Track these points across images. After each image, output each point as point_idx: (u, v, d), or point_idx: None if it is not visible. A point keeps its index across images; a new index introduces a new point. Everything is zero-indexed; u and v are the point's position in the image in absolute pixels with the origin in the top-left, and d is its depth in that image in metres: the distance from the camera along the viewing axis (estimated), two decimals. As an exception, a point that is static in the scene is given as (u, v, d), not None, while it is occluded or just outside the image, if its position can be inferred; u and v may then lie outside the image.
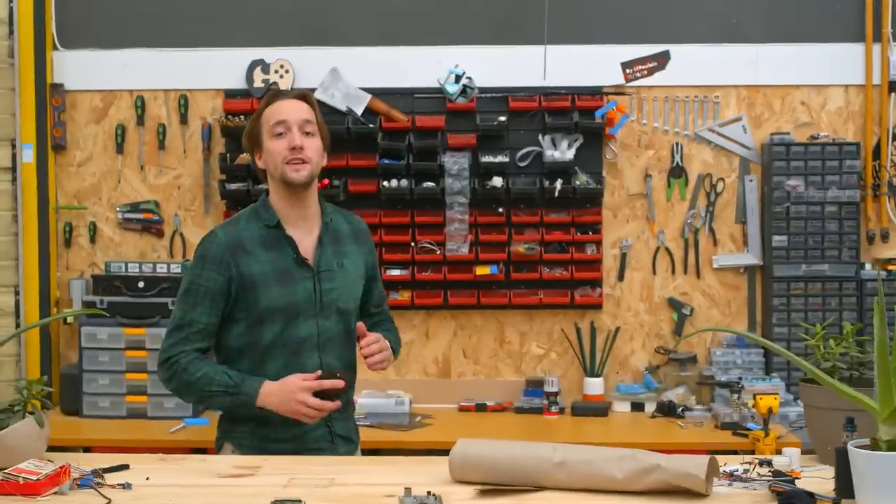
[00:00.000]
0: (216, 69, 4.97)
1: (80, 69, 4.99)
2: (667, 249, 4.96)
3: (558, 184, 4.84)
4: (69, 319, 4.89)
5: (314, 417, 2.83)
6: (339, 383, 2.80)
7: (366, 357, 2.95)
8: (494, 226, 4.90)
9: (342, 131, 4.82)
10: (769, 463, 2.43)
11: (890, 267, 4.84)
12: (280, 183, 2.96)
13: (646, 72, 4.92)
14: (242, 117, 4.85)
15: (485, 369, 5.00)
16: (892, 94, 4.88)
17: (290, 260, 2.94)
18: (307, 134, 2.95)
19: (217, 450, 3.02)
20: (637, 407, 4.75)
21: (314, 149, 2.96)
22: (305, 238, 2.98)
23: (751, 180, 4.92)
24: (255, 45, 4.94)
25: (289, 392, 2.80)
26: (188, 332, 2.90)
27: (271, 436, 2.91)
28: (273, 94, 3.04)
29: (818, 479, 2.32)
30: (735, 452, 3.24)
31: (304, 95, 3.03)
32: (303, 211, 2.98)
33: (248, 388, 2.83)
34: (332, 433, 2.99)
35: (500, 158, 4.87)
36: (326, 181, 4.80)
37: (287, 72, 4.91)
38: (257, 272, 2.90)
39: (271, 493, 2.26)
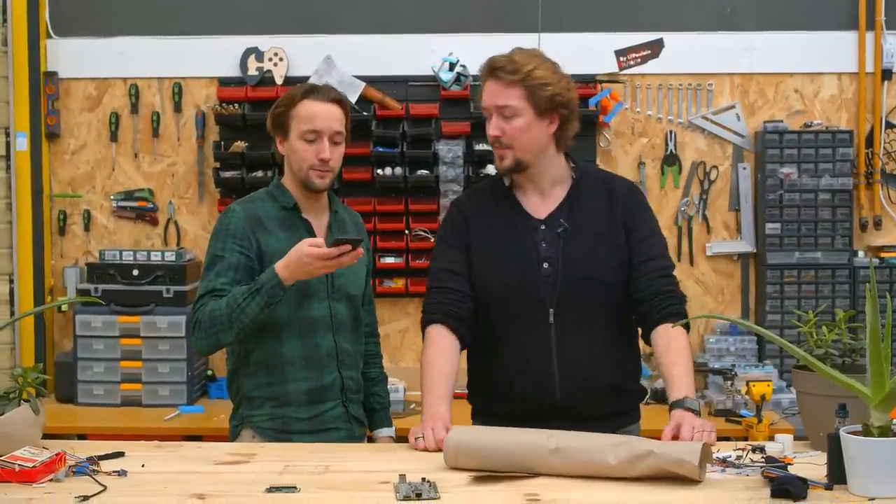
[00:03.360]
0: (210, 57, 4.95)
1: (73, 57, 4.97)
2: (660, 237, 4.96)
3: (552, 172, 4.84)
4: (63, 307, 4.89)
5: (332, 267, 2.80)
6: (346, 248, 2.76)
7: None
8: (488, 214, 4.90)
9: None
10: (762, 449, 2.45)
11: (882, 254, 4.85)
12: (299, 181, 3.00)
13: (639, 60, 4.92)
14: (236, 105, 4.85)
15: (479, 357, 5.00)
16: (886, 82, 4.88)
17: None
18: (335, 143, 2.98)
19: (233, 437, 3.03)
20: (631, 394, 4.75)
21: (339, 157, 3.01)
22: (316, 223, 3.04)
23: (744, 168, 4.93)
24: (249, 33, 4.92)
25: (299, 262, 2.77)
26: (209, 297, 2.88)
27: (291, 415, 2.95)
28: (310, 88, 3.01)
29: (811, 464, 2.33)
30: (728, 439, 3.27)
31: (340, 100, 3.02)
32: (314, 202, 3.04)
33: (265, 279, 2.80)
34: (349, 414, 3.04)
35: (495, 146, 4.87)
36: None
37: (281, 60, 4.89)
38: (276, 249, 2.91)
39: (267, 479, 2.27)
